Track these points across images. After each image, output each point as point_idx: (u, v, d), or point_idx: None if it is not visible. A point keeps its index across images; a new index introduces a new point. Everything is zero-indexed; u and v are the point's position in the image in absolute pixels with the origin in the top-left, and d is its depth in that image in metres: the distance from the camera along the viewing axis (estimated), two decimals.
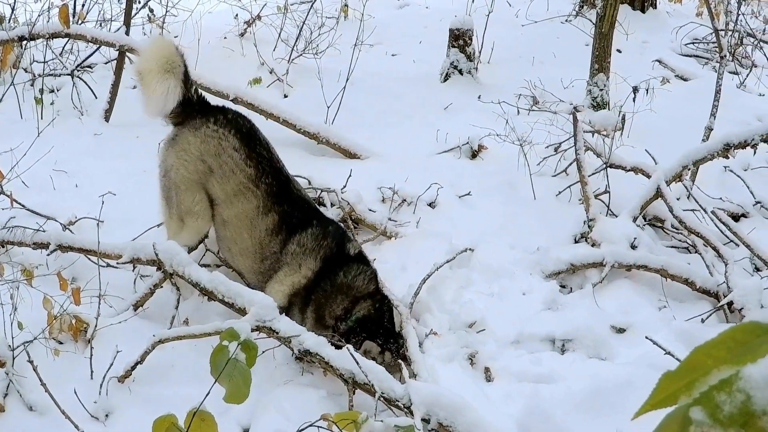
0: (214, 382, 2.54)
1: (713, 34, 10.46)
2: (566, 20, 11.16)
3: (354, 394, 4.43)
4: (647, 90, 7.68)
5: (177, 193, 5.58)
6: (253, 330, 4.60)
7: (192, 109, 5.67)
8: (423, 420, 4.19)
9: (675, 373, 1.09)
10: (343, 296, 5.20)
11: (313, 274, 5.29)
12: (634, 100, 7.43)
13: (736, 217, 6.71)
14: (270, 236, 5.41)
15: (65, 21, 6.84)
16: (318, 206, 6.11)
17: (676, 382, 1.05)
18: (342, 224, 5.97)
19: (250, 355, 2.49)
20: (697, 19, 11.24)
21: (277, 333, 4.59)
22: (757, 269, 6.08)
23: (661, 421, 1.09)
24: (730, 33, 9.75)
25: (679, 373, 1.07)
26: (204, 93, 5.93)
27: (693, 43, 11.02)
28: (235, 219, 5.49)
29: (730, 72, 9.66)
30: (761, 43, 9.42)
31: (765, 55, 10.48)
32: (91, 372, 4.61)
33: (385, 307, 5.19)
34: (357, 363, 4.37)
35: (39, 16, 8.18)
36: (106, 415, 4.46)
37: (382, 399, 4.30)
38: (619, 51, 8.69)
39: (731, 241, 6.20)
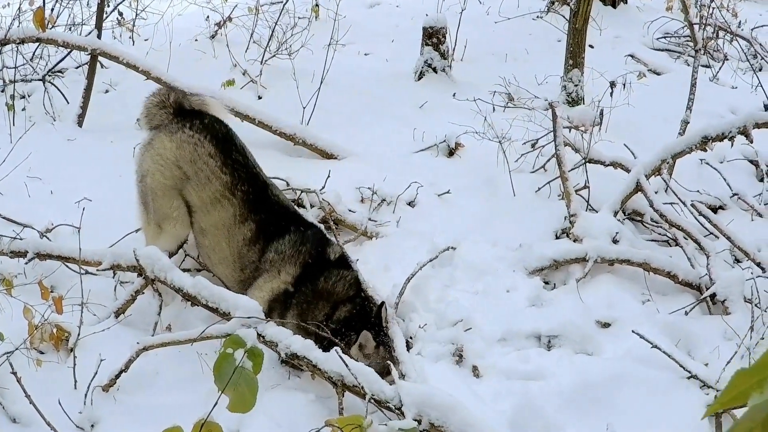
0: (221, 393, 2.46)
1: (685, 28, 10.53)
2: (538, 17, 11.15)
3: (343, 396, 4.38)
4: (624, 85, 7.67)
5: (154, 199, 5.53)
6: None
7: (168, 112, 5.63)
8: (414, 420, 4.15)
9: (747, 371, 1.05)
10: (324, 302, 5.14)
11: (293, 279, 5.22)
12: (611, 95, 7.43)
13: (714, 209, 6.72)
14: (248, 246, 5.35)
15: (41, 25, 6.74)
16: (298, 208, 6.07)
17: (748, 379, 1.02)
18: (322, 225, 5.93)
19: (256, 362, 2.43)
20: (668, 13, 11.27)
21: (264, 337, 4.54)
22: (737, 260, 6.10)
23: (741, 417, 1.05)
24: (703, 27, 9.76)
25: (751, 371, 1.03)
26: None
27: (665, 37, 11.05)
28: (212, 228, 5.43)
29: (702, 65, 9.68)
30: (736, 37, 9.42)
31: (736, 48, 10.52)
32: (75, 381, 4.54)
33: (369, 308, 5.13)
34: (346, 365, 4.32)
35: (12, 20, 8.05)
36: (92, 425, 4.40)
37: (372, 401, 4.26)
38: (591, 46, 8.69)
39: (711, 233, 6.20)
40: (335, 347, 4.49)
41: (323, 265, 5.27)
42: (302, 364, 4.53)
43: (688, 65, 10.24)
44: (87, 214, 5.34)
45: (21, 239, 5.46)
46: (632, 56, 10.12)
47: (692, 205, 6.24)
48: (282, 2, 9.75)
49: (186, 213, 5.50)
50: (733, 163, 7.45)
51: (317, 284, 5.18)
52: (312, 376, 4.65)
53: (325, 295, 5.16)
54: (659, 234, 6.33)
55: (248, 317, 4.59)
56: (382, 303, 5.14)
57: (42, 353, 4.76)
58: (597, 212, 6.21)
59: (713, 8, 9.96)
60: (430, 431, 4.17)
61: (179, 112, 5.66)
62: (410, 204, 6.58)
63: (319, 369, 4.46)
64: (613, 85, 7.48)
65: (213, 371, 2.50)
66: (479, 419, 4.25)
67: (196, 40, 9.87)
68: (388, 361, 4.79)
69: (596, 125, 6.77)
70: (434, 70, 8.89)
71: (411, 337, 5.21)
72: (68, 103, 8.20)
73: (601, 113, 6.86)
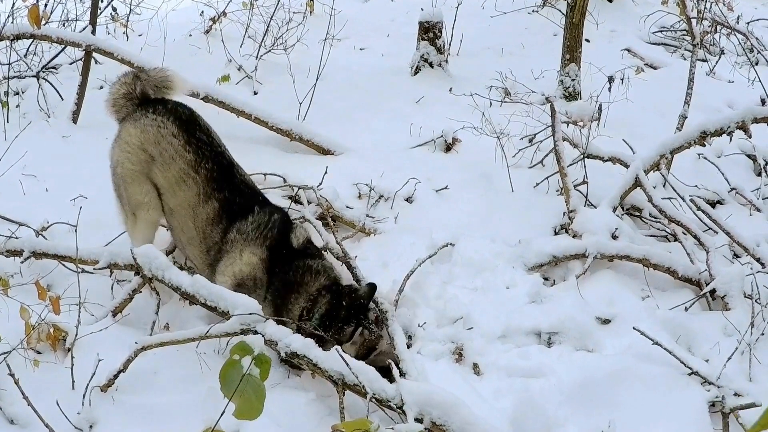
0: (228, 401, 2.42)
1: (681, 22, 10.51)
2: (533, 11, 11.12)
3: (344, 395, 4.34)
4: (622, 79, 7.64)
5: (125, 188, 5.55)
6: (237, 334, 4.52)
7: (134, 103, 5.68)
8: (416, 420, 4.12)
9: None
10: (297, 295, 5.08)
11: (258, 261, 5.17)
12: (609, 90, 7.39)
13: (712, 204, 6.70)
14: (211, 225, 5.32)
15: (36, 21, 6.69)
16: (295, 204, 6.05)
17: None
18: (320, 221, 5.90)
19: (264, 368, 2.38)
20: (664, 7, 11.23)
21: (263, 336, 4.50)
22: (736, 255, 6.09)
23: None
24: (700, 21, 9.73)
25: None
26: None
27: (661, 31, 11.02)
28: (179, 208, 5.42)
29: (699, 59, 9.64)
30: (734, 31, 9.40)
31: (733, 42, 10.49)
32: (73, 382, 4.49)
33: (347, 294, 5.04)
34: (346, 364, 4.29)
35: (7, 17, 7.99)
36: (90, 426, 4.34)
37: (373, 400, 4.23)
38: (587, 41, 8.65)
39: (710, 228, 6.18)
40: (335, 346, 4.45)
41: (289, 251, 5.22)
42: (302, 362, 4.49)
43: (685, 59, 10.24)
44: (83, 212, 5.30)
45: (16, 238, 5.42)
46: (628, 50, 10.10)
47: (691, 201, 6.21)
48: None
49: (156, 197, 5.50)
50: (731, 157, 7.44)
51: (286, 279, 5.12)
52: (312, 374, 4.61)
53: (296, 290, 5.09)
54: (658, 229, 6.30)
55: (249, 313, 4.56)
56: (373, 285, 5.08)
57: (39, 353, 4.72)
58: (596, 208, 6.18)
59: (711, 2, 9.90)
60: (432, 430, 4.14)
61: (144, 101, 5.69)
62: (408, 200, 6.54)
63: (319, 368, 4.41)
64: (611, 80, 7.44)
65: (219, 378, 2.45)
66: (481, 417, 4.23)
67: (190, 35, 9.83)
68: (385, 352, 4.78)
69: (594, 120, 6.73)
70: (430, 64, 8.87)
71: (410, 336, 5.18)
72: (62, 99, 8.16)
73: (600, 108, 6.81)
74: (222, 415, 2.54)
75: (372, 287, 5.07)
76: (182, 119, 5.55)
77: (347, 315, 4.95)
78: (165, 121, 5.50)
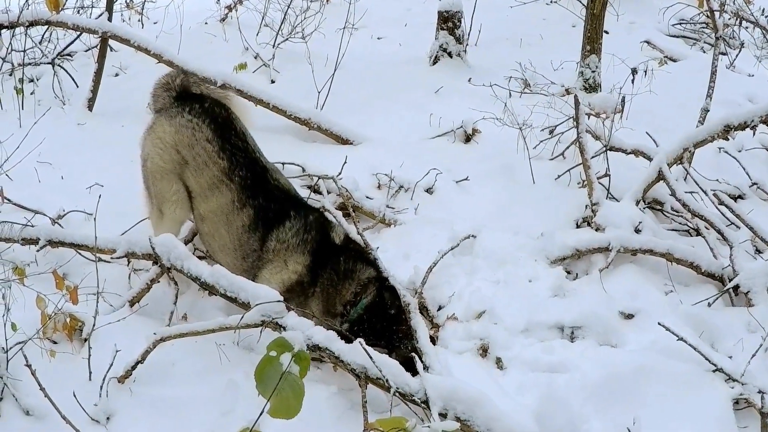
0: (267, 402, 2.33)
1: (700, 15, 10.40)
2: (552, 1, 11.03)
3: (366, 389, 4.28)
4: (645, 71, 7.54)
5: (153, 183, 5.50)
6: (257, 325, 4.46)
7: (170, 95, 5.65)
8: (440, 415, 4.07)
9: None
10: (349, 283, 5.04)
11: (304, 269, 5.12)
12: (633, 82, 7.30)
13: (733, 199, 6.60)
14: (247, 233, 5.26)
15: (54, 6, 6.62)
16: (314, 194, 5.99)
17: None
18: (340, 212, 5.83)
19: (303, 366, 2.29)
20: None
21: (284, 328, 4.43)
22: (758, 251, 6.00)
23: None
24: (721, 13, 9.62)
25: None
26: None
27: (680, 23, 10.91)
28: (211, 214, 5.35)
29: (720, 53, 9.55)
30: (756, 25, 9.29)
31: (752, 35, 10.39)
32: (90, 373, 4.45)
33: (389, 294, 5.04)
34: (370, 357, 4.22)
35: (24, 3, 7.92)
36: (107, 418, 4.30)
37: (397, 394, 4.18)
38: (606, 32, 8.55)
39: (732, 223, 6.10)
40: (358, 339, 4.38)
41: (332, 249, 5.18)
42: (324, 355, 4.42)
43: (704, 52, 10.14)
44: (98, 200, 5.24)
45: (32, 226, 5.37)
46: (648, 42, 9.99)
47: (714, 195, 6.14)
48: None
49: (186, 198, 5.44)
50: (752, 152, 7.35)
51: (337, 268, 5.09)
52: (334, 368, 4.55)
53: (349, 276, 5.07)
54: (680, 223, 6.23)
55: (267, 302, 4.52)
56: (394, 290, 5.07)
57: (55, 343, 4.67)
58: (618, 201, 6.10)
59: None
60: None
61: (182, 95, 5.65)
62: (428, 191, 6.49)
63: (341, 361, 4.35)
64: (634, 71, 7.35)
65: (255, 376, 2.36)
66: (505, 413, 4.19)
67: (206, 23, 9.81)
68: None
69: (617, 112, 6.65)
70: (449, 54, 8.81)
71: (438, 325, 5.13)
72: (78, 86, 8.13)
73: (623, 100, 6.73)
74: (261, 415, 2.44)
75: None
76: (218, 122, 5.46)
77: (388, 317, 4.95)
78: (200, 124, 5.42)
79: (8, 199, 5.77)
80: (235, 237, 5.29)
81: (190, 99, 5.62)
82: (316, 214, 5.37)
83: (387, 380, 4.21)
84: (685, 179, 6.46)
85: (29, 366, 4.21)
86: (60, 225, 5.72)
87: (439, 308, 5.32)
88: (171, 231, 5.43)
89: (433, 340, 4.98)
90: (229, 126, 5.49)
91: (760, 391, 4.64)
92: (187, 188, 5.42)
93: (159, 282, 5.13)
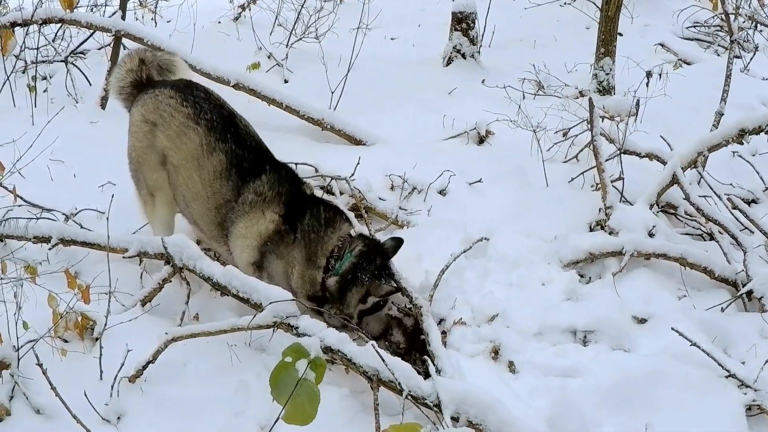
0: (282, 409, 2.32)
1: (715, 18, 10.36)
2: (566, 3, 11.00)
3: (378, 392, 4.26)
4: (660, 74, 7.51)
5: (140, 170, 5.58)
6: (269, 326, 4.46)
7: (140, 90, 5.72)
8: (452, 418, 4.05)
9: None
10: (332, 230, 5.18)
11: (279, 218, 5.18)
12: (647, 85, 7.27)
13: (747, 203, 6.58)
14: (219, 179, 5.30)
15: (68, 5, 6.61)
16: (327, 195, 5.99)
17: None
18: (352, 213, 5.82)
19: (319, 372, 2.27)
20: (697, 2, 11.08)
21: (296, 329, 4.42)
22: None
23: None
24: (736, 17, 9.59)
25: None
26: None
27: (694, 26, 10.86)
28: (183, 162, 5.39)
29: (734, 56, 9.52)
30: None
31: (766, 38, 10.35)
32: (101, 372, 4.43)
33: (376, 241, 5.26)
34: (382, 359, 4.21)
35: (38, 1, 7.92)
36: (118, 418, 4.30)
37: (409, 397, 4.16)
38: (620, 34, 8.52)
39: (746, 228, 6.07)
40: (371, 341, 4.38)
41: (306, 200, 5.28)
42: (336, 357, 4.41)
43: (718, 55, 10.09)
44: (110, 199, 5.24)
45: (48, 219, 5.41)
46: (662, 45, 9.95)
47: (728, 199, 6.11)
48: None
49: (165, 175, 5.51)
50: (766, 155, 7.30)
51: (318, 215, 5.20)
52: (346, 370, 4.52)
53: (330, 225, 5.18)
54: (693, 228, 6.19)
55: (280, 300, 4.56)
56: (400, 239, 5.27)
57: (66, 342, 4.67)
58: (632, 204, 6.08)
59: None
60: None
61: (148, 84, 5.76)
62: (441, 192, 6.48)
63: (353, 363, 4.34)
64: (649, 74, 7.32)
65: (270, 382, 2.34)
66: (517, 417, 4.18)
67: (219, 22, 9.80)
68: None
69: (632, 116, 6.62)
70: (463, 56, 8.81)
71: (445, 332, 5.11)
72: (90, 84, 8.13)
73: (638, 103, 6.70)
74: (276, 422, 2.42)
75: (399, 241, 5.26)
76: (179, 86, 5.58)
77: (378, 266, 5.08)
78: (162, 89, 5.55)
79: (22, 198, 5.76)
80: (207, 183, 5.32)
81: (155, 83, 5.76)
82: (287, 169, 5.43)
83: (399, 383, 4.20)
84: (698, 183, 6.43)
85: (40, 365, 4.21)
86: (76, 222, 5.77)
87: (441, 321, 5.30)
88: (166, 217, 5.57)
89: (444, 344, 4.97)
90: (189, 85, 5.61)
91: None
92: (163, 155, 5.47)
93: (171, 282, 5.12)
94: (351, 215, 5.75)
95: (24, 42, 7.99)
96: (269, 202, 5.19)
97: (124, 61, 5.90)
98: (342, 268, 5.06)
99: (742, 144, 6.58)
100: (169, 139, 5.40)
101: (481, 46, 9.07)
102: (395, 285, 5.09)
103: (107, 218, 5.07)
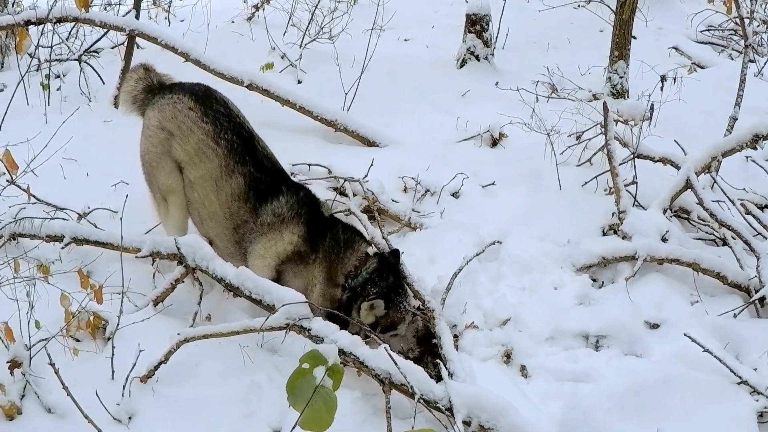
0: (300, 415, 2.31)
1: (728, 21, 10.33)
2: (580, 5, 10.97)
3: (390, 395, 4.25)
4: (675, 78, 7.48)
5: (153, 173, 5.55)
6: (282, 328, 4.45)
7: (153, 94, 5.71)
8: (464, 423, 4.05)
9: None
10: (351, 251, 5.13)
11: (299, 239, 5.16)
12: (662, 89, 7.24)
13: (760, 208, 6.55)
14: (237, 201, 5.27)
15: (84, 4, 6.62)
16: (340, 196, 6.00)
17: None
18: (366, 215, 5.83)
19: (336, 379, 2.26)
20: (711, 6, 11.05)
21: (309, 331, 4.42)
22: None
23: None
24: (750, 21, 9.58)
25: None
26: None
27: (708, 30, 10.83)
28: (200, 180, 5.37)
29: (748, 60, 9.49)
30: None
31: None
32: (113, 372, 4.43)
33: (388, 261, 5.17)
34: (395, 363, 4.20)
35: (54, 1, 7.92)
36: (129, 418, 4.29)
37: (421, 401, 4.15)
38: (634, 38, 8.50)
39: (759, 233, 6.06)
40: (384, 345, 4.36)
41: (325, 221, 5.26)
42: (348, 360, 4.39)
43: (732, 59, 10.06)
44: (123, 198, 5.24)
45: (61, 219, 5.42)
46: (676, 48, 9.92)
47: (741, 204, 6.10)
48: None
49: (180, 176, 5.47)
50: None
51: (337, 236, 5.17)
52: (358, 372, 4.51)
53: (350, 246, 5.15)
54: (706, 233, 6.17)
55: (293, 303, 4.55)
56: (396, 251, 5.22)
57: (78, 341, 4.67)
58: (645, 209, 6.06)
59: (762, 3, 9.73)
60: None
61: (161, 88, 5.76)
62: (454, 195, 6.48)
63: (366, 366, 4.33)
64: (663, 78, 7.29)
65: (287, 388, 2.33)
66: (529, 422, 4.18)
67: (232, 22, 9.80)
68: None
69: (646, 120, 6.60)
70: (477, 58, 8.80)
71: (457, 336, 5.10)
72: (104, 83, 8.13)
73: (652, 107, 6.68)
74: (293, 429, 2.41)
75: (397, 253, 5.21)
76: (198, 94, 5.53)
77: (391, 283, 5.04)
78: (181, 97, 5.50)
79: (35, 197, 5.77)
80: (225, 205, 5.30)
81: (169, 86, 5.76)
82: (305, 191, 5.41)
83: (411, 386, 4.19)
84: (711, 188, 6.41)
85: (52, 364, 4.21)
86: (89, 222, 5.78)
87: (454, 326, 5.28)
88: (179, 220, 5.53)
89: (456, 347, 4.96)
90: (209, 96, 5.56)
91: None
92: (178, 163, 5.44)
93: (183, 282, 5.12)
94: (364, 217, 5.76)
95: (38, 40, 7.99)
96: (287, 223, 5.18)
97: (131, 75, 5.95)
98: (358, 282, 5.04)
99: (756, 149, 6.53)
100: (187, 154, 5.38)
101: (494, 48, 9.05)
102: (408, 307, 5.07)
103: (120, 218, 5.06)
